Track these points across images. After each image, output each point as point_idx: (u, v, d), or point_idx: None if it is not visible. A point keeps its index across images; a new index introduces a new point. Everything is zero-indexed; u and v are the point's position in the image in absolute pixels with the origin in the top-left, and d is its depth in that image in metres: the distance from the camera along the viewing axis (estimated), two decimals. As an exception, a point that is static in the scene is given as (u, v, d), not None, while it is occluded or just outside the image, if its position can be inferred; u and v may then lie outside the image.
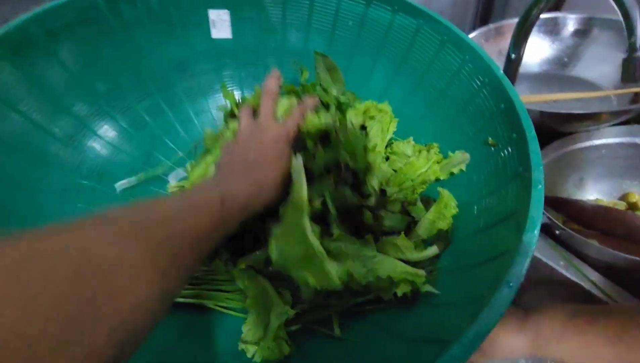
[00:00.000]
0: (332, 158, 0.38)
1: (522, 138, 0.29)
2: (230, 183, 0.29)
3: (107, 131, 0.43)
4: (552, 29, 0.67)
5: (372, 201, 0.38)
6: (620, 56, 0.46)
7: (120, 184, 0.43)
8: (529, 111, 0.49)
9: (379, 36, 0.46)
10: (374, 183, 0.38)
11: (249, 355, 0.30)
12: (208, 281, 0.38)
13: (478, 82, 0.38)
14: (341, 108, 0.47)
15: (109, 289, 0.15)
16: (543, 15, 0.69)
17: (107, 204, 0.40)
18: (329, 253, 0.34)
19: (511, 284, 0.21)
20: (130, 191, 0.44)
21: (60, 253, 0.14)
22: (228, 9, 0.49)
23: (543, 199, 0.24)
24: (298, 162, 0.34)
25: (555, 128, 0.51)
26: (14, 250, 0.14)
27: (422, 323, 0.27)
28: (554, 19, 0.67)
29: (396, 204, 0.38)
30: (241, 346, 0.31)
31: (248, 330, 0.32)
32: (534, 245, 0.22)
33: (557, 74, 0.67)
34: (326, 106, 0.48)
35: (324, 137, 0.40)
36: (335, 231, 0.35)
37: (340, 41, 0.49)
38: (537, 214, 0.24)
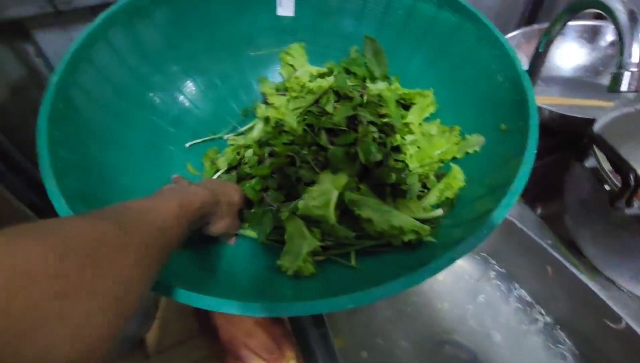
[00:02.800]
0: (350, 113, 0.46)
1: (526, 124, 0.35)
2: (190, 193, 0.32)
3: (188, 87, 0.52)
4: (592, 37, 0.69)
5: (399, 157, 0.45)
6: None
7: (189, 144, 0.52)
8: (551, 112, 0.54)
9: (423, 27, 0.52)
10: (406, 139, 0.45)
11: (283, 269, 0.39)
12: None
13: (502, 77, 0.43)
14: (373, 78, 0.55)
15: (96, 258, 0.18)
16: (584, 22, 0.71)
17: (180, 148, 0.51)
18: (354, 203, 0.43)
19: (484, 231, 0.28)
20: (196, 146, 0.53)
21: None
22: (294, -10, 0.56)
23: (528, 175, 0.31)
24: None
25: (574, 132, 0.56)
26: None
27: (419, 258, 0.35)
28: (595, 27, 0.69)
29: (414, 176, 0.45)
30: (279, 262, 0.40)
31: (285, 254, 0.41)
32: (512, 205, 0.29)
33: (590, 81, 0.70)
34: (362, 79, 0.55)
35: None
36: (362, 186, 0.44)
37: (388, 29, 0.55)
38: (519, 186, 0.30)
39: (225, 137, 0.56)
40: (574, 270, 0.44)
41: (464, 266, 0.60)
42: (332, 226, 0.42)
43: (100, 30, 0.43)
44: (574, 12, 0.45)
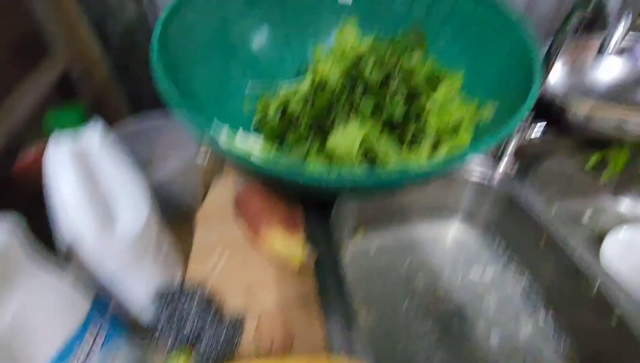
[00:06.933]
0: (384, 75, 0.54)
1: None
2: None
3: (262, 38, 0.65)
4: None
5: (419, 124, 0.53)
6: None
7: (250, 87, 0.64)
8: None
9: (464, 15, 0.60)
10: (428, 106, 0.53)
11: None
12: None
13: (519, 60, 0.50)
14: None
15: None
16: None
17: (244, 83, 0.63)
18: (372, 151, 0.51)
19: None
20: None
21: None
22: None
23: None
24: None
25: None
26: None
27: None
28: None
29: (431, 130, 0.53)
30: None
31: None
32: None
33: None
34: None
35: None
36: (384, 137, 0.52)
37: (437, 15, 0.63)
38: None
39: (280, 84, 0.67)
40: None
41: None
42: (351, 165, 0.50)
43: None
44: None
